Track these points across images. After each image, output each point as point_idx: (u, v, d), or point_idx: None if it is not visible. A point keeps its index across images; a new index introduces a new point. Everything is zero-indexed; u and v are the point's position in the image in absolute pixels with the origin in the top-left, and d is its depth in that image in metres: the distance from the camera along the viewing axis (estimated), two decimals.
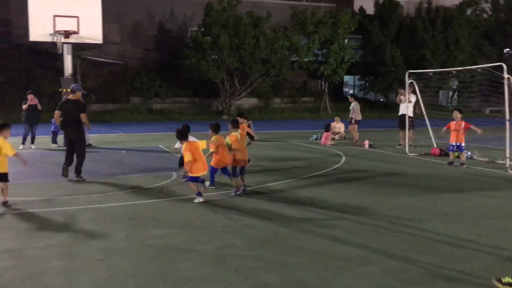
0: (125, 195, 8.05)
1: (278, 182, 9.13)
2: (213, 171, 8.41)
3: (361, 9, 38.02)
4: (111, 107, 32.12)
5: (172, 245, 5.43)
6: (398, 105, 15.41)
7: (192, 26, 36.39)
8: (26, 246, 5.37)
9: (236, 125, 8.34)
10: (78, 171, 9.68)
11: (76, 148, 9.75)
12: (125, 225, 6.26)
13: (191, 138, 7.91)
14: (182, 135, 7.78)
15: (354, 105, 16.91)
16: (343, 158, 12.53)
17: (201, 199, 7.49)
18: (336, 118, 18.15)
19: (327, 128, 16.41)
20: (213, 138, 8.19)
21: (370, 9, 38.10)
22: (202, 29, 32.66)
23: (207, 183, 7.87)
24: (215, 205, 7.34)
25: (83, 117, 9.69)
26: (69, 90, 12.06)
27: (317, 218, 6.61)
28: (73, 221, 6.41)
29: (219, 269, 4.71)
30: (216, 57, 31.23)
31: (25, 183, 9.12)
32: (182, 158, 8.21)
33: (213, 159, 8.25)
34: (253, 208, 7.15)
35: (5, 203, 7.29)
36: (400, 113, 15.07)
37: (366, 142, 15.27)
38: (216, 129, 8.30)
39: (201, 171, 7.59)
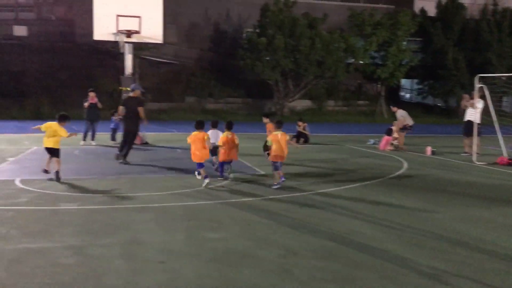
0: (183, 195, 7.97)
1: (339, 188, 8.79)
2: (221, 164, 9.49)
3: (422, 11, 36.70)
4: (166, 106, 32.72)
5: (233, 249, 5.24)
6: (459, 110, 14.60)
7: (247, 27, 36.48)
8: (88, 243, 5.34)
9: (280, 125, 9.03)
10: (125, 156, 11.31)
11: (130, 137, 11.37)
12: (185, 226, 6.14)
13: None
14: (198, 125, 8.94)
15: (401, 112, 16.04)
16: (405, 165, 11.97)
17: (206, 180, 8.75)
18: (395, 122, 17.42)
19: (389, 132, 15.65)
20: (224, 133, 9.42)
21: (431, 11, 36.71)
22: (258, 30, 32.64)
23: (205, 178, 8.80)
24: (275, 209, 7.11)
25: (141, 109, 11.30)
26: (129, 89, 13.53)
27: (383, 229, 6.21)
28: (134, 220, 6.36)
29: (284, 278, 4.46)
30: (271, 58, 31.09)
31: (86, 179, 9.28)
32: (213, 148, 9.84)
33: (220, 153, 9.38)
34: (316, 214, 6.87)
35: (57, 173, 9.06)
36: (466, 119, 14.28)
37: (429, 149, 14.55)
38: (229, 126, 9.57)
39: (197, 159, 8.84)
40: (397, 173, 10.70)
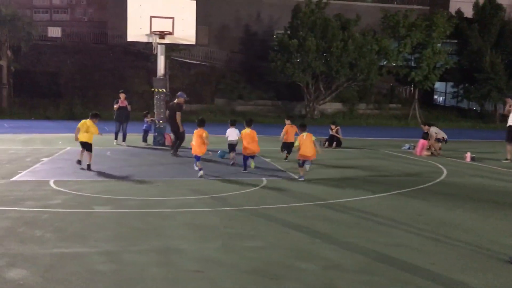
0: (217, 200, 7.77)
1: (378, 195, 8.45)
2: (244, 158, 10.63)
3: (458, 12, 35.71)
4: (196, 107, 32.79)
5: (273, 260, 4.99)
6: (497, 115, 14.01)
7: (278, 29, 36.28)
8: (123, 249, 5.19)
9: (304, 128, 9.87)
10: (175, 150, 13.07)
11: (177, 136, 13.24)
12: (220, 233, 5.94)
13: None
14: (199, 123, 10.06)
15: (433, 129, 15.39)
16: (444, 172, 11.49)
17: (201, 172, 9.91)
18: (432, 127, 16.83)
19: (425, 136, 15.06)
20: (243, 130, 10.62)
21: (468, 12, 35.71)
22: (288, 32, 32.37)
23: (199, 170, 9.93)
24: (311, 216, 6.83)
25: (178, 115, 13.01)
26: (161, 90, 13.79)
27: (429, 242, 5.85)
28: (167, 225, 6.20)
29: None
30: (302, 60, 30.76)
31: (118, 180, 9.21)
32: (229, 145, 11.54)
33: (242, 147, 10.59)
34: (355, 223, 6.56)
35: (88, 166, 10.28)
36: (508, 124, 13.68)
37: (468, 155, 13.99)
38: (248, 123, 10.81)
39: (196, 152, 9.89)
40: (438, 180, 10.25)
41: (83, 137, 10.33)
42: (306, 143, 9.67)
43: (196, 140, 9.78)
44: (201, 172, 9.80)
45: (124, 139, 15.54)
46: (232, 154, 11.58)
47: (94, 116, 10.63)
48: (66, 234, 5.66)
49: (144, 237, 5.64)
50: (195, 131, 9.89)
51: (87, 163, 10.27)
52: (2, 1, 33.56)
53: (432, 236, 6.02)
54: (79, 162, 10.54)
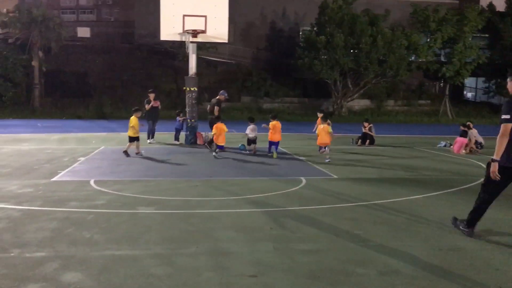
0: (258, 201, 7.64)
1: (424, 195, 8.20)
2: (270, 144, 12.89)
3: (490, 5, 34.75)
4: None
5: (327, 264, 4.84)
6: None
7: (304, 25, 35.96)
8: (173, 252, 5.12)
9: (325, 119, 12.71)
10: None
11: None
12: (268, 234, 5.81)
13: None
14: (217, 119, 13.01)
15: (474, 132, 14.93)
16: None
17: (217, 156, 12.30)
18: (469, 123, 16.38)
19: (464, 134, 14.66)
20: (271, 122, 12.77)
21: (500, 5, 34.75)
22: (315, 28, 32.03)
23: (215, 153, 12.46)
24: (359, 217, 6.64)
25: (216, 109, 14.23)
26: (192, 88, 13.77)
27: (489, 246, 5.62)
28: (214, 226, 6.11)
29: None
30: (330, 56, 30.38)
31: (157, 181, 9.18)
32: (248, 140, 13.47)
33: (269, 135, 12.88)
34: (406, 225, 6.34)
35: (138, 153, 12.39)
36: None
37: None
38: (274, 117, 13.10)
39: (220, 142, 12.51)
40: (482, 180, 9.90)
41: (129, 132, 12.35)
42: (322, 133, 12.20)
43: (219, 132, 12.39)
44: (215, 154, 12.34)
45: (152, 136, 15.78)
46: (253, 146, 13.33)
47: (136, 111, 12.49)
48: (115, 236, 5.62)
49: (193, 239, 5.55)
50: (216, 125, 12.54)
51: (136, 152, 12.35)
52: (33, 2, 34.16)
53: (490, 240, 5.78)
54: (125, 153, 12.26)
